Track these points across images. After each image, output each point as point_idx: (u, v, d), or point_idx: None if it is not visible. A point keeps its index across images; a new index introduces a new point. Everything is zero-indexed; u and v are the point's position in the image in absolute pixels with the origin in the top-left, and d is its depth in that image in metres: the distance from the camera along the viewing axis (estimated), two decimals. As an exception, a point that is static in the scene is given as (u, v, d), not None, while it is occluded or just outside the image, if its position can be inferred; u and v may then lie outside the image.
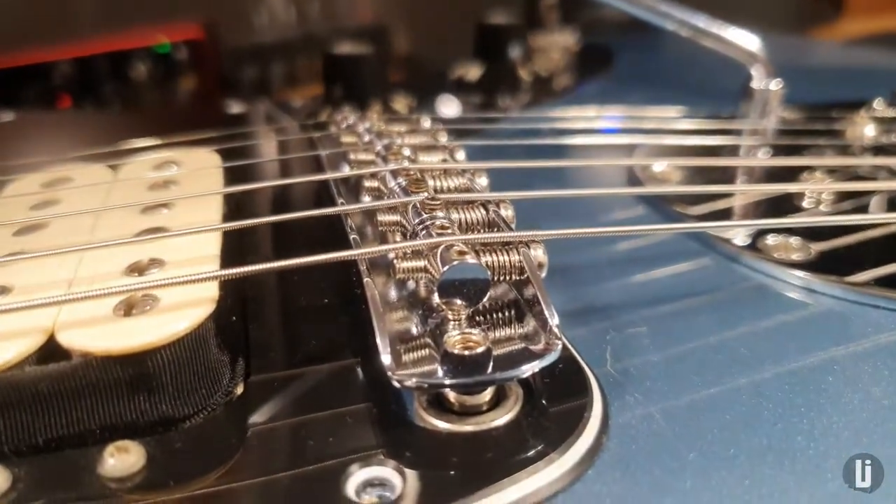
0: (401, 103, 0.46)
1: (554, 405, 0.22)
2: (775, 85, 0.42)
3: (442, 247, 0.23)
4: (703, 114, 0.45)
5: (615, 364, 0.24)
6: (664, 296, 0.29)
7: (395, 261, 0.23)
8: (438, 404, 0.22)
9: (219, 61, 0.80)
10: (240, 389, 0.23)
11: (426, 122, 0.36)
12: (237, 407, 0.22)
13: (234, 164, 0.33)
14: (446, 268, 0.22)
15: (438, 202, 0.25)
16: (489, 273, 0.22)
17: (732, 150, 0.41)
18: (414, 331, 0.23)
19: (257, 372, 0.24)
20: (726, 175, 0.39)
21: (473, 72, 0.52)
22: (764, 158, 0.41)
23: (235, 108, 0.48)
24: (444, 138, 0.34)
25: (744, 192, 0.36)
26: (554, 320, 0.22)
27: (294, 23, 0.82)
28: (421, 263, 0.23)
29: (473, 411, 0.22)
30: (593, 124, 0.45)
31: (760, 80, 0.42)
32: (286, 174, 0.36)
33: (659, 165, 0.39)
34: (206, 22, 0.76)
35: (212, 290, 0.23)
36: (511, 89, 0.52)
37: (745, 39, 0.44)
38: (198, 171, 0.32)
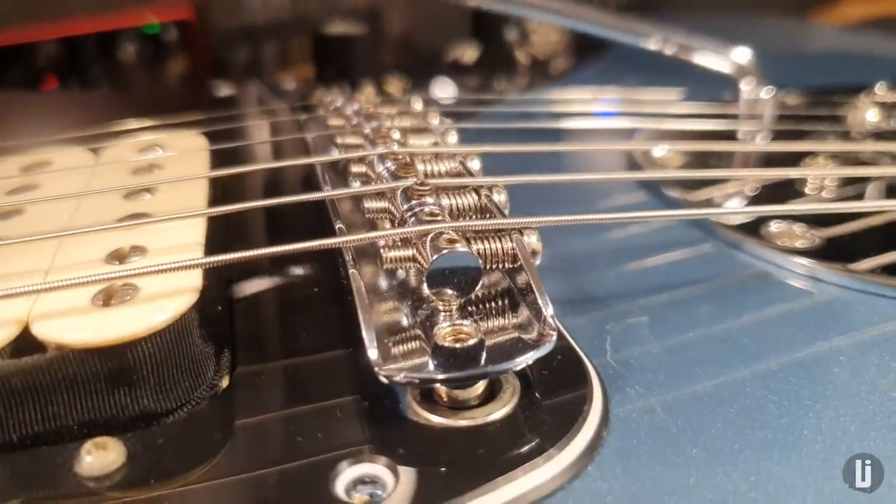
0: (394, 85, 0.45)
1: (552, 398, 0.21)
2: (766, 94, 0.41)
3: (431, 234, 0.22)
4: (702, 97, 0.44)
5: (615, 354, 0.24)
6: (665, 284, 0.28)
7: (382, 250, 0.22)
8: (432, 398, 0.21)
9: (209, 42, 0.78)
10: (225, 382, 0.22)
11: (418, 105, 0.35)
12: (222, 400, 0.22)
13: (220, 146, 0.32)
14: (435, 257, 0.21)
15: (428, 188, 0.24)
16: (481, 261, 0.22)
17: (732, 136, 0.41)
18: (404, 322, 0.22)
19: (244, 364, 0.23)
20: (726, 160, 0.38)
21: (469, 54, 0.51)
22: (765, 144, 0.40)
23: (224, 90, 0.47)
24: (435, 121, 0.33)
25: (746, 178, 0.35)
26: (548, 310, 0.21)
27: (286, 3, 0.80)
28: (409, 252, 0.22)
29: (464, 406, 0.21)
30: (591, 108, 0.44)
31: (751, 92, 0.41)
32: (274, 158, 0.35)
33: (658, 150, 0.38)
34: (196, 2, 0.75)
35: (195, 279, 0.22)
36: (507, 72, 0.51)
37: (735, 54, 0.43)
38: (183, 155, 0.31)
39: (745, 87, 0.42)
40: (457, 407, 0.21)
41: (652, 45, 0.44)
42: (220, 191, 0.28)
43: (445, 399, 0.21)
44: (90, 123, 0.36)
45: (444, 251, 0.21)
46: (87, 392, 0.20)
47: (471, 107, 0.42)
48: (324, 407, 0.21)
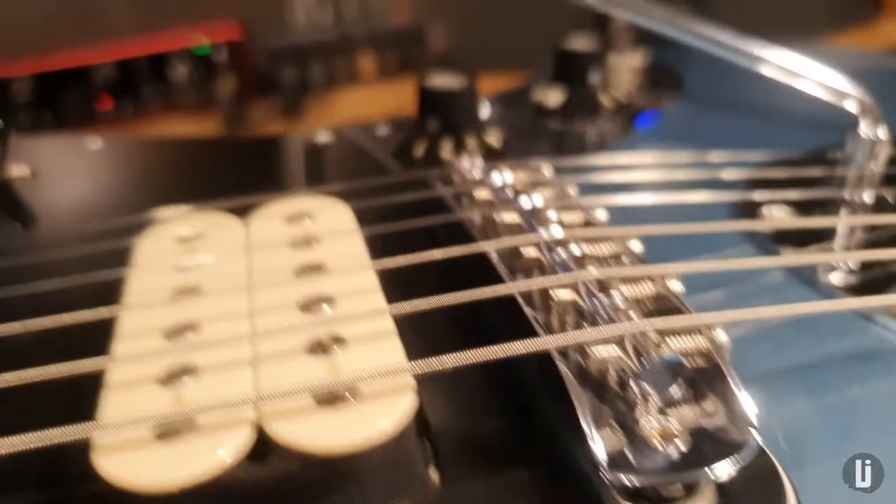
0: (494, 137, 0.45)
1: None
2: (883, 133, 0.38)
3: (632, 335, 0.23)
4: (796, 154, 0.43)
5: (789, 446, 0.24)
6: (832, 379, 0.27)
7: (589, 349, 0.23)
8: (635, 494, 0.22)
9: (257, 62, 0.81)
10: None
11: (547, 171, 0.35)
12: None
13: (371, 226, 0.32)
14: (647, 362, 0.22)
15: (612, 278, 0.25)
16: (684, 360, 0.22)
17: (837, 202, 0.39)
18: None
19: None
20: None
21: (554, 97, 0.52)
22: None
23: (322, 137, 0.47)
24: (573, 191, 0.33)
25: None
26: (751, 411, 0.22)
27: (330, 22, 0.82)
28: (616, 354, 0.23)
29: (670, 500, 0.22)
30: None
31: (868, 130, 0.37)
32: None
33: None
34: (244, 22, 0.77)
35: (406, 376, 0.22)
36: (591, 115, 0.52)
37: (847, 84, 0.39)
38: (335, 225, 0.31)
39: (866, 128, 0.37)
40: (661, 500, 0.22)
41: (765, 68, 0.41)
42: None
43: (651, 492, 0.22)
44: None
45: (654, 357, 0.22)
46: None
47: (571, 160, 0.42)
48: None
